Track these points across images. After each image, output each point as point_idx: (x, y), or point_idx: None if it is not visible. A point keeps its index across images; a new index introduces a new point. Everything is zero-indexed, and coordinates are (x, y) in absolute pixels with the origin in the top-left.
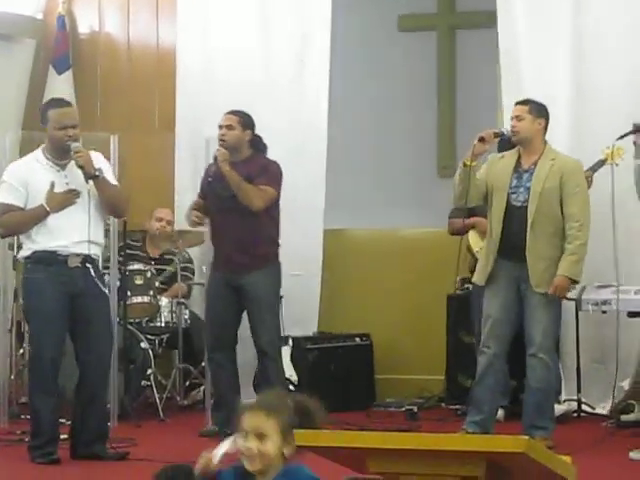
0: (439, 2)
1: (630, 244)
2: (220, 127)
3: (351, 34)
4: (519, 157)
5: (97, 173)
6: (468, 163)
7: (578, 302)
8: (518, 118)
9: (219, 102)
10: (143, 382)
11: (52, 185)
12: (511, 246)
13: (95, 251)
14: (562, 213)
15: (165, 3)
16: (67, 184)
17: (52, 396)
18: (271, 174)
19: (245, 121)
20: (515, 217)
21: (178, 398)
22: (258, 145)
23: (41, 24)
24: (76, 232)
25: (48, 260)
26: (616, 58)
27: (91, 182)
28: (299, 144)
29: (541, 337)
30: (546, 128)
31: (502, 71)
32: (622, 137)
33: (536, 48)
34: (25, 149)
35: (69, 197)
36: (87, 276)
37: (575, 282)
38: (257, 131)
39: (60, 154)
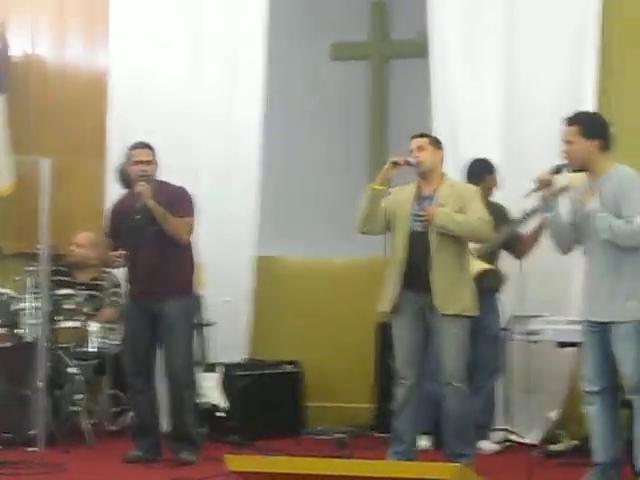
0: (371, 31)
1: (561, 277)
2: (139, 162)
3: (285, 62)
4: (419, 186)
5: None
6: (377, 187)
7: (508, 332)
8: (420, 149)
9: (151, 127)
10: (72, 407)
11: None
12: (415, 273)
13: None
14: None
15: (98, 28)
16: None
17: None
18: (186, 203)
19: (154, 153)
20: (418, 243)
21: (106, 424)
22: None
23: None
24: None
25: None
26: (544, 88)
27: None
28: (231, 170)
29: (450, 364)
30: (442, 159)
31: (433, 99)
32: (529, 194)
33: (466, 77)
34: None
35: None
36: None
37: (445, 228)
38: (189, 156)
39: None
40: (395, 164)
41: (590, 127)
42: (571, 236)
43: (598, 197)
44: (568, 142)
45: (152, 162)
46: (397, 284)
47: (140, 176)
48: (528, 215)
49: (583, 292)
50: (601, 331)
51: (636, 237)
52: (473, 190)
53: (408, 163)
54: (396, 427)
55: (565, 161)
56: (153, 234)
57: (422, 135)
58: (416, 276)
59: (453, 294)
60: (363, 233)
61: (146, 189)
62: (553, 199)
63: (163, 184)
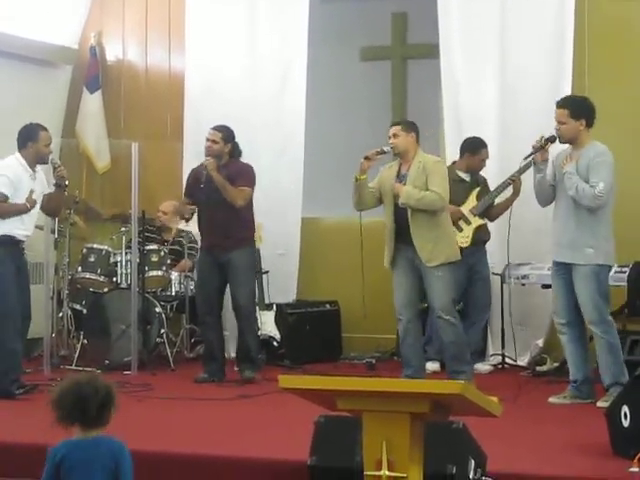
0: (393, 36)
1: (544, 232)
2: (207, 140)
3: (323, 62)
4: (400, 165)
5: (67, 184)
6: (359, 177)
7: (503, 276)
8: (395, 136)
9: (218, 116)
10: (158, 339)
11: (31, 192)
12: (403, 235)
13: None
14: None
15: (175, 37)
16: (33, 190)
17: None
18: (247, 176)
19: (225, 136)
20: (401, 212)
21: (185, 352)
22: (234, 152)
23: (76, 53)
24: (32, 225)
25: (9, 242)
26: (530, 81)
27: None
28: (282, 150)
29: (438, 301)
30: (417, 139)
31: (443, 93)
32: (527, 157)
33: (470, 75)
34: (64, 153)
35: (35, 204)
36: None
37: (407, 204)
38: (249, 138)
39: (35, 164)
40: (367, 158)
41: (577, 109)
42: (551, 194)
43: (575, 163)
44: (560, 122)
45: (218, 142)
46: (391, 245)
47: (206, 151)
48: (519, 172)
49: (552, 238)
50: (566, 272)
51: (595, 200)
52: (437, 164)
53: (381, 152)
54: (403, 354)
55: (555, 134)
56: (216, 199)
57: (396, 123)
58: (404, 237)
59: (435, 250)
60: (360, 211)
61: (210, 163)
62: (544, 163)
63: (234, 160)
